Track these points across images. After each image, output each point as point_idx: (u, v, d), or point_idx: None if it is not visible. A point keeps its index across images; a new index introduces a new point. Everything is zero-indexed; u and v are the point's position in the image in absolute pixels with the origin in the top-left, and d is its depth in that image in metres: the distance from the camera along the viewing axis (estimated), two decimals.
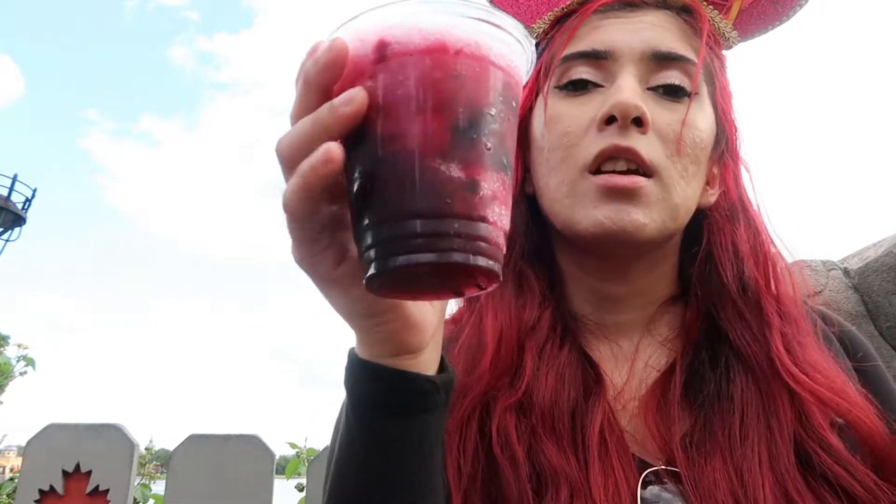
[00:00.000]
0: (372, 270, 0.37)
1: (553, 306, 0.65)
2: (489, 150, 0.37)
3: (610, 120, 0.58)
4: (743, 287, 0.63)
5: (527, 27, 0.73)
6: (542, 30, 0.72)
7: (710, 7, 0.67)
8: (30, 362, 6.43)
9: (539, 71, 0.68)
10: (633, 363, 0.62)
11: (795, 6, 0.71)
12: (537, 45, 0.73)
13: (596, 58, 0.61)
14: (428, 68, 0.37)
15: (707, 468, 0.52)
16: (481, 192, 0.36)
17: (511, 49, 0.40)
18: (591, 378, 0.60)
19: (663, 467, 0.54)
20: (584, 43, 0.63)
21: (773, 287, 0.63)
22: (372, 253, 0.37)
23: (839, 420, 0.55)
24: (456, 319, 0.68)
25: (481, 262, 0.37)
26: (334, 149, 0.36)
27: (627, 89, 0.58)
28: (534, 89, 0.67)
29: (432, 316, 0.45)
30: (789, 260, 0.66)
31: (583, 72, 0.62)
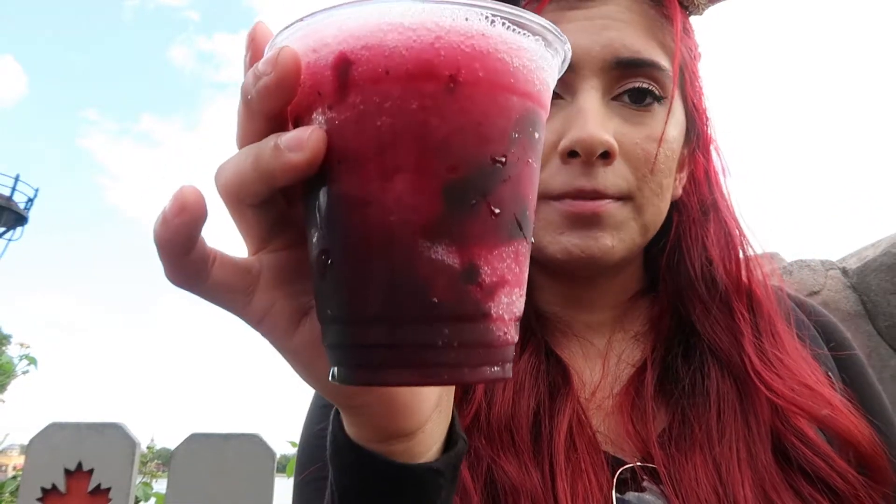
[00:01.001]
0: (333, 373, 0.29)
1: None
2: (496, 215, 0.27)
3: (573, 153, 0.52)
4: (711, 280, 0.60)
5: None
6: None
7: None
8: (32, 361, 6.45)
9: None
10: (605, 360, 0.60)
11: None
12: None
13: None
14: (407, 103, 0.25)
15: (688, 465, 0.50)
16: (483, 280, 0.26)
17: (534, 59, 0.28)
18: (559, 378, 0.57)
19: (639, 464, 0.52)
20: None
21: (744, 280, 0.61)
22: (333, 354, 0.29)
23: (815, 420, 0.54)
24: None
25: (485, 373, 0.27)
26: (189, 194, 0.27)
27: (591, 118, 0.52)
28: None
29: (430, 391, 0.36)
30: (760, 252, 0.63)
31: None
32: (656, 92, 0.55)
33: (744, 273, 0.61)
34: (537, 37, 0.28)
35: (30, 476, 3.07)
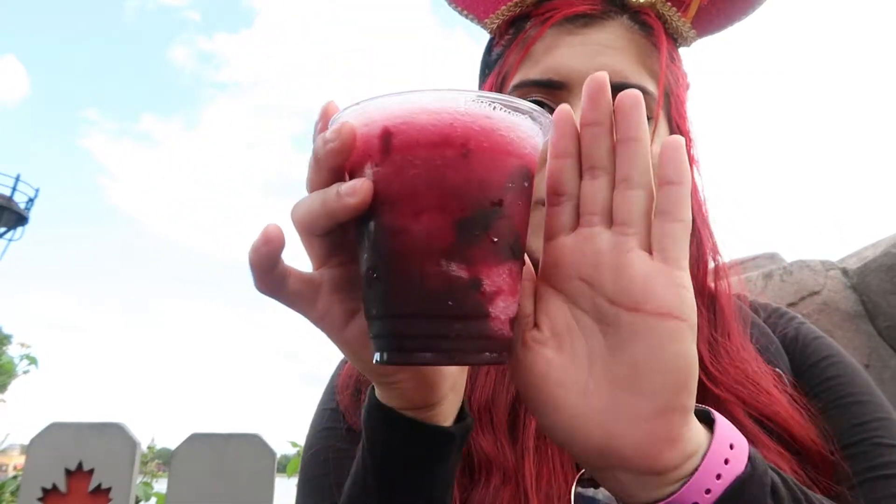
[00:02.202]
0: (377, 357, 0.38)
1: None
2: (495, 242, 0.36)
3: None
4: None
5: (480, 21, 0.72)
6: (496, 25, 0.71)
7: (669, 5, 0.67)
8: (33, 361, 6.46)
9: (493, 88, 0.67)
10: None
11: (755, 2, 0.70)
12: (492, 48, 0.72)
13: (550, 87, 0.62)
14: (432, 163, 0.35)
15: None
16: (486, 289, 0.36)
17: (525, 131, 0.38)
18: None
19: None
20: (538, 68, 0.63)
21: (709, 284, 0.64)
22: (377, 342, 0.38)
23: (754, 411, 0.56)
24: None
25: (485, 358, 0.36)
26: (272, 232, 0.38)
27: None
28: None
29: (448, 372, 0.45)
30: (727, 258, 0.67)
31: (537, 95, 0.62)
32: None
33: (710, 279, 0.65)
34: (526, 115, 0.38)
35: (30, 476, 3.08)
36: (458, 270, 0.35)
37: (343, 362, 0.71)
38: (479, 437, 0.57)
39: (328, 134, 0.37)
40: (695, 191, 0.68)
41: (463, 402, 0.48)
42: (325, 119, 0.40)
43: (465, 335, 0.35)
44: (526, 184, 0.38)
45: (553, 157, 0.41)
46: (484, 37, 0.74)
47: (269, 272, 0.38)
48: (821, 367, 0.61)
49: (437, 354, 0.36)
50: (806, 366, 0.62)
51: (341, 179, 0.39)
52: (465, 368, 0.48)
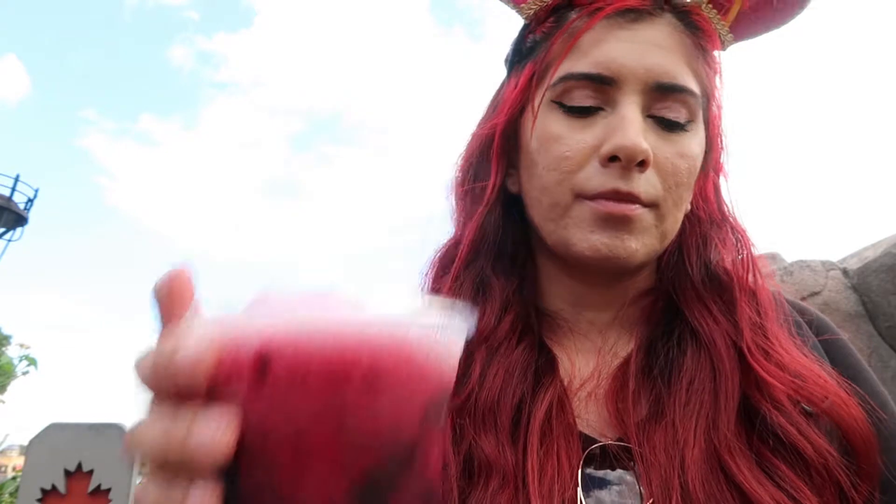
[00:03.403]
0: None
1: (518, 308, 0.66)
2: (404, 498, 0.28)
3: (613, 158, 0.58)
4: (709, 276, 0.65)
5: (517, 6, 0.70)
6: (532, 12, 0.69)
7: (710, 6, 0.66)
8: (32, 362, 6.45)
9: (534, 76, 0.66)
10: (600, 354, 0.63)
11: (795, 12, 0.70)
12: (528, 31, 0.70)
13: (600, 82, 0.61)
14: (322, 404, 0.26)
15: (654, 439, 0.53)
16: None
17: (438, 357, 0.30)
18: (547, 370, 0.61)
19: (611, 442, 0.55)
20: (587, 61, 0.61)
21: (750, 280, 0.64)
22: None
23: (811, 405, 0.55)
24: None
25: None
26: None
27: (633, 129, 0.57)
28: (524, 95, 0.66)
29: None
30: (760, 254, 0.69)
31: (586, 96, 0.61)
32: (687, 118, 0.61)
33: (751, 274, 0.65)
34: (440, 339, 0.30)
35: (29, 477, 3.08)
36: None
37: None
38: (482, 439, 0.56)
39: (178, 357, 0.27)
40: (721, 193, 0.70)
41: None
42: (172, 304, 0.30)
43: None
44: (440, 414, 0.30)
45: None
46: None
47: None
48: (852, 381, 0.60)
49: None
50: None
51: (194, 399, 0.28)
52: None
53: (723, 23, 0.68)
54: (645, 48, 0.61)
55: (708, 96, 0.65)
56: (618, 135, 0.57)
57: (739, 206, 0.69)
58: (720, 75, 0.69)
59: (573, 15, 0.65)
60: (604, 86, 0.60)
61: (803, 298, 2.18)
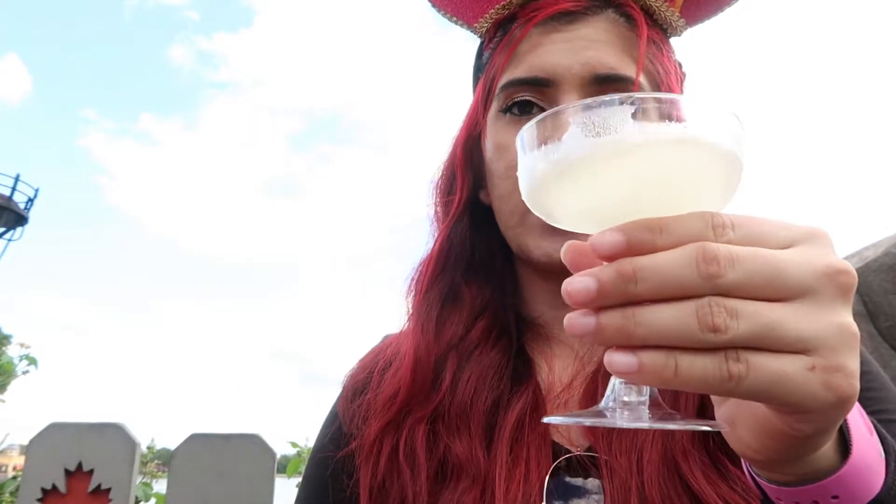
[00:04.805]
0: None
1: (491, 314, 0.67)
2: None
3: None
4: None
5: (470, 27, 0.73)
6: (484, 29, 0.72)
7: None
8: (32, 361, 6.45)
9: (482, 90, 0.68)
10: (578, 359, 0.63)
11: None
12: (482, 52, 0.73)
13: (537, 84, 0.62)
14: None
15: (618, 446, 0.54)
16: None
17: None
18: (523, 374, 0.62)
19: (579, 453, 0.55)
20: (524, 66, 0.63)
21: None
22: None
23: None
24: (380, 349, 0.72)
25: None
26: None
27: None
28: (478, 105, 0.68)
29: None
30: None
31: (526, 94, 0.63)
32: None
33: None
34: None
35: (30, 476, 3.07)
36: None
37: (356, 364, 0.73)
38: (455, 443, 0.57)
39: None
40: None
41: None
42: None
43: None
44: None
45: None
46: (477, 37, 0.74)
47: None
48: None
49: None
50: None
51: None
52: None
53: (672, 9, 0.68)
54: (580, 45, 0.62)
55: (658, 85, 0.65)
56: None
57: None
58: (672, 65, 0.69)
59: (514, 26, 0.67)
60: (543, 88, 0.62)
61: None
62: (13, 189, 11.43)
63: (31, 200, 11.93)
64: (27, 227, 11.82)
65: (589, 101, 0.30)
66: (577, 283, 0.31)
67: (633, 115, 0.30)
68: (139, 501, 3.73)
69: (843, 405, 0.30)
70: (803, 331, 0.29)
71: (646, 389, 0.33)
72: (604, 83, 0.60)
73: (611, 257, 0.30)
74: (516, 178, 0.61)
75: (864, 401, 0.57)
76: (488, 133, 0.66)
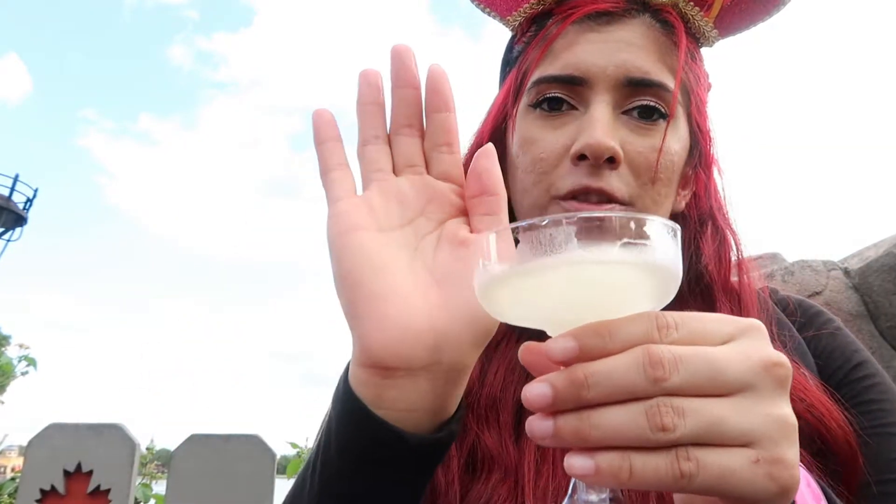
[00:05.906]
0: None
1: None
2: None
3: (582, 157, 0.58)
4: (696, 275, 0.64)
5: (503, 19, 0.73)
6: (518, 23, 0.71)
7: (691, 4, 0.67)
8: (31, 362, 6.45)
9: (513, 84, 0.68)
10: None
11: (779, 3, 0.70)
12: (513, 45, 0.73)
13: (570, 83, 0.62)
14: None
15: None
16: None
17: None
18: None
19: None
20: (558, 64, 0.63)
21: (732, 281, 0.65)
22: None
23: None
24: None
25: None
26: None
27: (600, 126, 0.58)
28: (506, 103, 0.68)
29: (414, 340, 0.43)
30: (754, 255, 0.68)
31: (557, 91, 0.63)
32: (662, 110, 0.62)
33: (734, 274, 0.66)
34: None
35: (29, 477, 3.07)
36: None
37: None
38: (485, 434, 0.57)
39: None
40: (715, 190, 0.69)
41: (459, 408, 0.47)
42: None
43: None
44: None
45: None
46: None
47: None
48: (861, 385, 0.60)
49: None
50: (840, 377, 0.61)
51: None
52: (438, 355, 0.44)
53: (706, 19, 0.68)
54: (615, 47, 0.62)
55: (689, 92, 0.66)
56: (585, 133, 0.59)
57: (734, 204, 0.70)
58: (703, 73, 0.69)
59: (549, 22, 0.67)
60: (575, 86, 0.62)
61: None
62: (12, 189, 11.42)
63: (30, 200, 11.92)
64: (26, 227, 11.81)
65: (535, 220, 0.33)
66: (534, 390, 0.32)
67: (577, 235, 0.32)
68: (139, 502, 3.72)
69: (786, 494, 0.32)
70: (745, 424, 0.31)
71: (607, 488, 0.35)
72: (636, 87, 0.61)
73: (565, 363, 0.32)
74: (540, 173, 0.62)
75: (871, 413, 0.58)
76: (517, 126, 0.66)
